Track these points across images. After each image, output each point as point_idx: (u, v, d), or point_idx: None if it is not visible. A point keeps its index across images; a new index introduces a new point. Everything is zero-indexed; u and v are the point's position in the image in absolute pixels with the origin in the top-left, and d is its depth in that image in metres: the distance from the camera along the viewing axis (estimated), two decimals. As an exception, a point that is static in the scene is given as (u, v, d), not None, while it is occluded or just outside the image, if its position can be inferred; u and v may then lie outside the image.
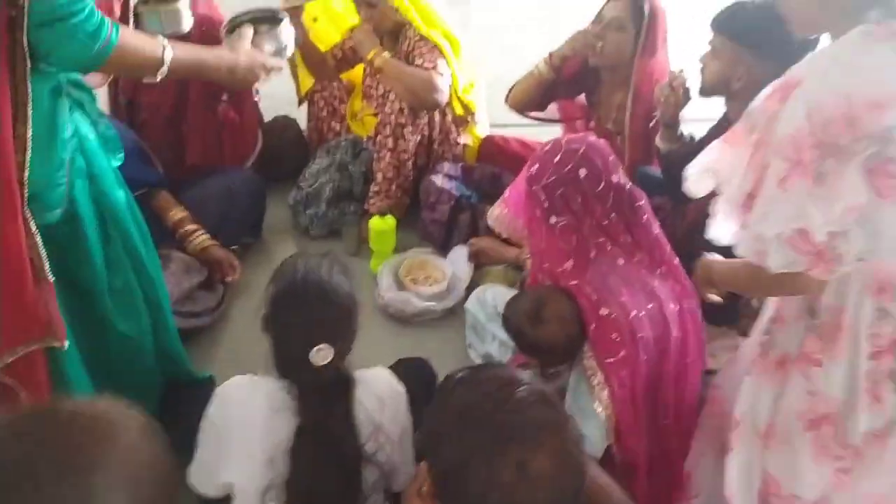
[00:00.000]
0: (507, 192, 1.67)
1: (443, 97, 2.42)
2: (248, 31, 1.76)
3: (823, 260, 1.04)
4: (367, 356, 1.48)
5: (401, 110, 2.47)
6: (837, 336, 1.14)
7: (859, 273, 1.09)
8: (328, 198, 2.55)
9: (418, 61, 2.41)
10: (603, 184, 1.49)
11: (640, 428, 1.47)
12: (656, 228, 1.57)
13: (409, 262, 2.37)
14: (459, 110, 2.62)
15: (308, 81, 2.85)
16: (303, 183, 2.60)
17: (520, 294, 1.74)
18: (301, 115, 2.97)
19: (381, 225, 2.38)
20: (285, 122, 2.89)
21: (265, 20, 1.89)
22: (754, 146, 1.14)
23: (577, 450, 0.95)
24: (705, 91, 1.92)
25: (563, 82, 2.45)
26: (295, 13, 2.62)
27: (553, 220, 1.51)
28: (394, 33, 2.53)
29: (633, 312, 1.43)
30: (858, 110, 0.99)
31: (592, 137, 1.55)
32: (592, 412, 1.45)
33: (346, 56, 2.69)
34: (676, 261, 1.59)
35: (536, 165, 1.52)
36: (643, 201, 1.55)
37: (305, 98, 2.90)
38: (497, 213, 1.68)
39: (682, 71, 2.01)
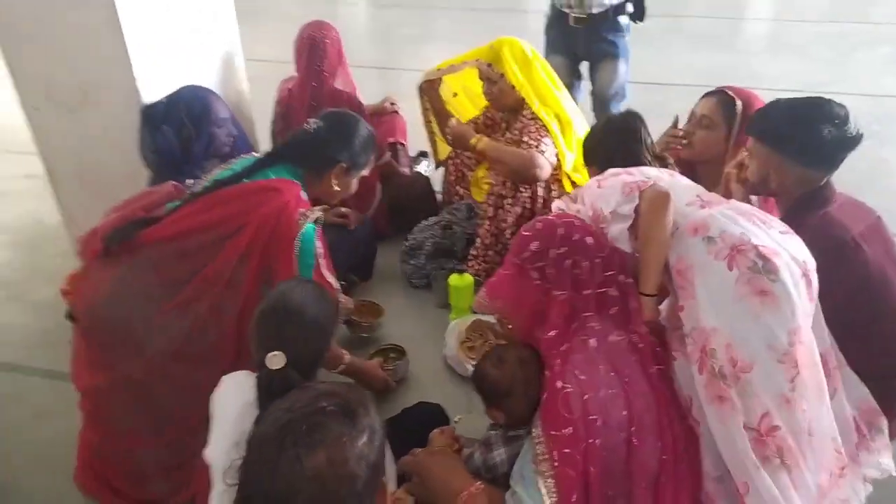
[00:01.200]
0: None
1: (543, 173, 2.53)
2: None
3: None
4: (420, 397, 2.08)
5: (504, 183, 2.62)
6: None
7: None
8: (428, 252, 2.76)
9: (525, 138, 2.56)
10: (597, 259, 1.52)
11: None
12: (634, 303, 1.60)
13: (473, 323, 2.45)
14: (568, 187, 2.70)
15: (445, 149, 3.12)
16: (410, 236, 2.83)
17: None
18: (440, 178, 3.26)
19: (459, 282, 2.51)
20: (414, 179, 3.18)
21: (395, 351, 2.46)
22: None
23: (358, 463, 1.05)
24: (752, 189, 1.89)
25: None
26: (434, 85, 2.93)
27: (555, 292, 1.55)
28: (514, 109, 2.70)
29: (590, 394, 1.40)
30: None
31: (575, 218, 1.60)
32: (532, 480, 1.43)
33: (480, 128, 2.92)
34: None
35: (535, 242, 1.57)
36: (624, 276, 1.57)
37: (442, 163, 3.17)
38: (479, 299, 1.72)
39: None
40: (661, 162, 2.10)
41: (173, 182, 2.10)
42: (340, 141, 2.09)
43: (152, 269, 1.81)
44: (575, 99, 3.16)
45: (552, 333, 1.52)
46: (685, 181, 1.78)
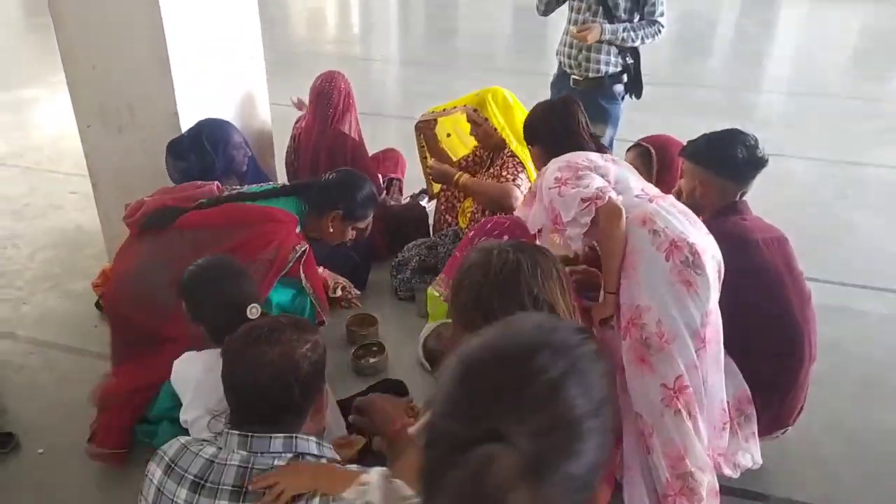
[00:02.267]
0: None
1: (516, 203, 2.91)
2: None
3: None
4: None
5: (483, 210, 3.01)
6: None
7: None
8: (413, 268, 3.13)
9: (504, 173, 2.98)
10: None
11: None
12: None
13: (438, 327, 2.79)
14: (540, 217, 3.06)
15: (438, 183, 3.52)
16: (399, 253, 3.22)
17: None
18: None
19: (434, 293, 2.86)
20: (411, 206, 3.63)
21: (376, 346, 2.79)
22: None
23: (303, 360, 1.42)
24: (686, 204, 2.22)
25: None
26: (429, 125, 3.36)
27: None
28: (498, 148, 3.11)
29: None
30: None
31: (519, 219, 1.96)
32: None
33: (468, 165, 3.33)
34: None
35: (473, 234, 1.95)
36: None
37: (435, 196, 3.58)
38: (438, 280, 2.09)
39: None
40: (596, 141, 2.47)
41: (217, 183, 2.53)
42: (344, 192, 2.47)
43: (169, 249, 2.22)
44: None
45: None
46: (630, 172, 2.14)
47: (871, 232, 4.00)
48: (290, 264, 2.26)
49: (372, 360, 2.72)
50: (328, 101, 3.32)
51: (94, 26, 2.83)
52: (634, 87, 3.55)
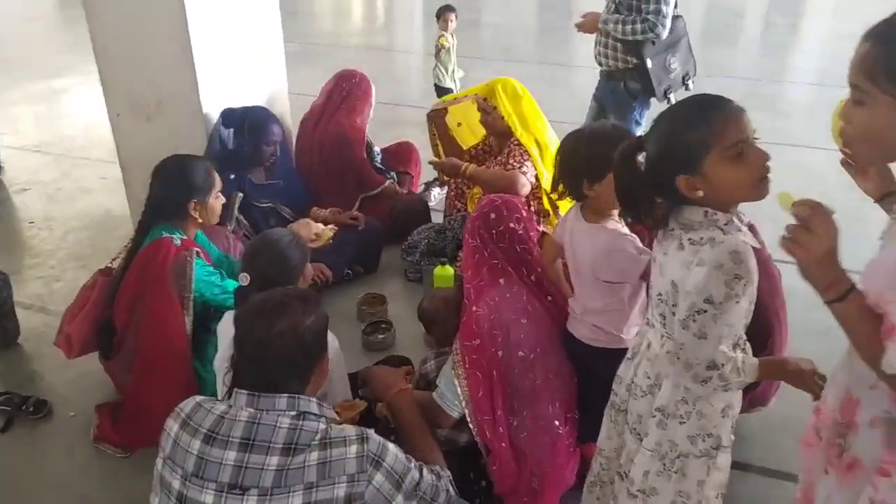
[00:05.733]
0: None
1: (524, 190, 3.01)
2: None
3: None
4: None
5: (488, 196, 3.12)
6: None
7: None
8: (422, 250, 3.25)
9: (510, 161, 3.07)
10: (502, 226, 1.99)
11: (494, 416, 1.87)
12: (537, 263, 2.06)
13: (431, 292, 2.91)
14: (546, 205, 3.17)
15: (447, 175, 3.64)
16: (409, 237, 3.35)
17: None
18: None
19: (441, 272, 3.00)
20: (416, 199, 3.87)
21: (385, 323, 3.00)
22: None
23: (309, 329, 1.55)
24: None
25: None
26: (440, 114, 3.48)
27: (480, 248, 2.03)
28: (505, 135, 3.22)
29: (495, 315, 1.87)
30: None
31: (511, 197, 2.07)
32: (450, 379, 1.90)
33: (478, 154, 3.45)
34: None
35: (474, 216, 2.07)
36: (529, 245, 2.03)
37: (446, 182, 3.70)
38: None
39: None
40: None
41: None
42: (180, 184, 2.46)
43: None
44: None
45: (472, 275, 2.00)
46: None
47: (881, 224, 4.01)
48: (193, 267, 2.35)
49: (380, 337, 2.86)
50: (340, 93, 3.50)
51: (124, 21, 3.01)
52: (646, 87, 3.50)
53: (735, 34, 10.08)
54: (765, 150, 1.37)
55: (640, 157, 1.45)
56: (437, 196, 4.12)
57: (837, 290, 1.19)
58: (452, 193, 3.61)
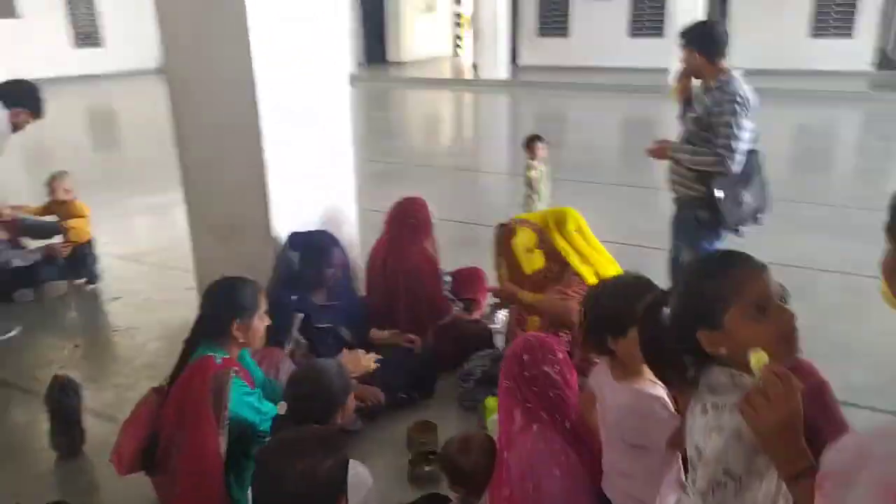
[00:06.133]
0: None
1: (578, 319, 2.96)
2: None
3: None
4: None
5: (546, 327, 3.08)
6: None
7: None
8: (477, 378, 3.20)
9: (568, 290, 3.05)
10: (536, 369, 1.93)
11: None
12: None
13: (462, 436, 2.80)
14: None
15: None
16: (465, 364, 3.32)
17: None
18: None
19: (494, 404, 2.92)
20: (480, 326, 3.84)
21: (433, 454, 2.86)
22: None
23: (324, 474, 1.55)
24: None
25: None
26: (508, 234, 3.54)
27: (514, 389, 1.98)
28: (565, 264, 3.21)
29: (527, 465, 1.79)
30: None
31: (547, 338, 2.03)
32: None
33: (539, 280, 3.44)
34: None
35: (515, 365, 2.04)
36: (563, 391, 1.95)
37: (502, 307, 3.71)
38: None
39: None
40: None
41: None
42: (225, 305, 2.51)
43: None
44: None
45: (505, 418, 1.94)
46: None
47: None
48: (230, 386, 2.35)
49: (427, 469, 2.79)
50: (401, 225, 3.65)
51: (208, 154, 3.33)
52: (715, 218, 3.42)
53: (825, 159, 9.84)
54: (791, 311, 1.30)
55: (665, 311, 1.41)
56: (501, 320, 4.11)
57: (795, 467, 1.12)
58: (514, 320, 3.59)
